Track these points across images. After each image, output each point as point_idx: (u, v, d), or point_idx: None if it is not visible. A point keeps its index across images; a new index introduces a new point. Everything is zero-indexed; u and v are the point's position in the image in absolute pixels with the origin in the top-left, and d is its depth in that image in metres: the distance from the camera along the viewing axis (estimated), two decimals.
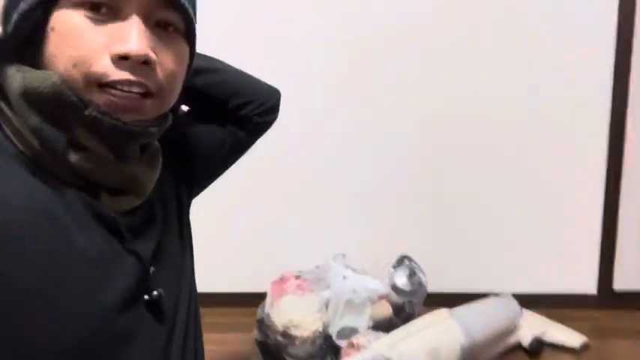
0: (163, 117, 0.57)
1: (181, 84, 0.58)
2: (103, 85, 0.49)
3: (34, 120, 0.49)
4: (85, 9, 0.49)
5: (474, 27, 1.56)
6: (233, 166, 1.59)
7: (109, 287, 0.51)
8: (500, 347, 1.38)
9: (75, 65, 0.48)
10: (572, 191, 1.60)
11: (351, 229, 1.66)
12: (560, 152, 1.58)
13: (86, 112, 0.49)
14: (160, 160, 0.62)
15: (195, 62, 0.62)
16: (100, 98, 0.49)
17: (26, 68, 0.50)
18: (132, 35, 0.49)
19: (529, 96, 1.56)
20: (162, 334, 0.57)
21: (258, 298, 1.45)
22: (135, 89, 0.50)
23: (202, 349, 0.69)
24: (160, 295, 0.55)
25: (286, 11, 1.56)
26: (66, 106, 0.49)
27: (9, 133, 0.50)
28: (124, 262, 0.53)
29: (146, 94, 0.52)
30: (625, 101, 1.53)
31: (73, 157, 0.50)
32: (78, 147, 0.51)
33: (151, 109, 0.53)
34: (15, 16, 0.51)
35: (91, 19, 0.49)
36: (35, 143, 0.49)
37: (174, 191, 0.69)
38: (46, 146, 0.49)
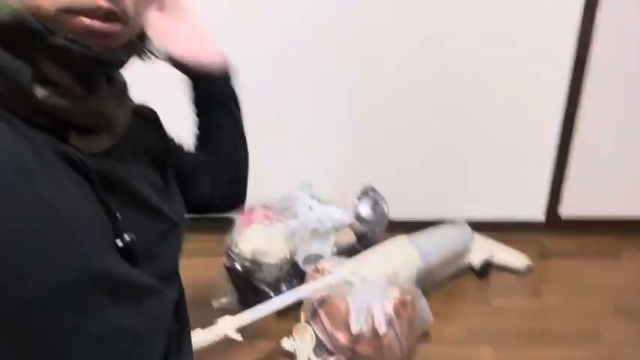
0: (131, 44, 0.54)
1: (147, 9, 0.56)
2: (71, 11, 0.46)
3: None
4: None
5: None
6: None
7: (78, 233, 0.49)
8: (453, 269, 1.50)
9: None
10: (526, 122, 1.66)
11: (316, 158, 1.70)
12: (518, 82, 1.62)
13: (53, 41, 0.45)
14: (129, 94, 0.60)
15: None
16: (73, 23, 0.46)
17: None
18: None
19: (491, 27, 1.56)
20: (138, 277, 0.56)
21: (225, 224, 1.49)
22: (102, 14, 0.47)
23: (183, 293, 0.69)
24: (132, 240, 0.54)
25: None
26: (29, 34, 0.45)
27: None
28: (92, 207, 0.51)
29: (112, 20, 0.49)
30: (591, 28, 1.54)
31: (40, 92, 0.47)
32: (45, 81, 0.48)
33: (119, 35, 0.51)
34: None
35: None
36: None
37: (153, 147, 0.66)
38: (9, 81, 0.46)
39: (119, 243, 0.53)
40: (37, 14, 0.45)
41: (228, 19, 1.52)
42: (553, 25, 1.55)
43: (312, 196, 1.44)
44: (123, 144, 0.57)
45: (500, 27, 1.56)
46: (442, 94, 1.63)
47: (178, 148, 0.76)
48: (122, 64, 0.53)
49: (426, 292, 1.26)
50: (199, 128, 0.82)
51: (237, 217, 1.47)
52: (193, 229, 1.48)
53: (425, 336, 1.25)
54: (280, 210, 1.44)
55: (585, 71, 1.60)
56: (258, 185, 1.63)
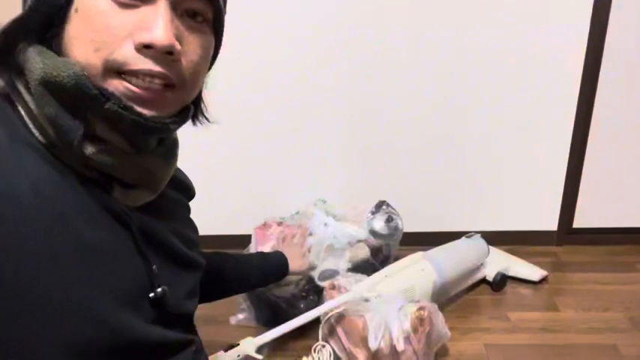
0: (184, 110, 0.55)
1: (204, 76, 0.56)
2: (121, 73, 0.47)
3: (51, 109, 0.46)
4: None
5: None
6: (217, 113, 1.61)
7: (113, 283, 0.49)
8: (469, 282, 1.50)
9: (96, 50, 0.46)
10: (540, 135, 1.67)
11: (330, 175, 1.72)
12: (530, 95, 1.63)
13: (106, 106, 0.47)
14: (177, 153, 0.61)
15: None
16: (118, 86, 0.47)
17: (47, 53, 0.47)
18: (158, 24, 0.46)
19: (502, 42, 1.58)
20: (166, 332, 0.57)
21: (241, 240, 1.51)
22: (157, 80, 0.48)
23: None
24: (164, 291, 0.55)
25: None
26: (86, 98, 0.46)
27: (25, 118, 0.48)
28: (130, 259, 0.52)
29: (167, 86, 0.50)
30: (601, 48, 1.56)
31: (89, 149, 0.48)
32: (94, 139, 0.49)
33: (171, 102, 0.51)
34: None
35: (117, 3, 0.46)
36: (50, 131, 0.47)
37: (186, 206, 0.71)
38: (61, 136, 0.47)
39: (151, 295, 0.54)
40: (89, 73, 0.46)
41: (244, 35, 1.55)
42: (563, 41, 1.56)
43: (327, 213, 1.46)
44: (161, 200, 0.59)
45: (511, 41, 1.57)
46: (456, 108, 1.65)
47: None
48: (171, 131, 0.54)
49: (441, 307, 1.27)
50: (238, 280, 1.03)
51: (253, 234, 1.49)
52: (210, 246, 1.51)
53: (442, 351, 1.26)
54: (296, 227, 1.45)
55: (597, 84, 1.60)
56: (273, 202, 1.68)
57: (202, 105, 0.62)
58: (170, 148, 0.59)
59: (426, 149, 1.69)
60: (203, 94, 0.61)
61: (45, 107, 0.46)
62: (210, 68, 0.58)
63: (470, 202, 1.75)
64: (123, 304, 0.50)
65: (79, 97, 0.46)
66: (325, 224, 1.39)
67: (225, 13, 0.55)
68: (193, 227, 0.71)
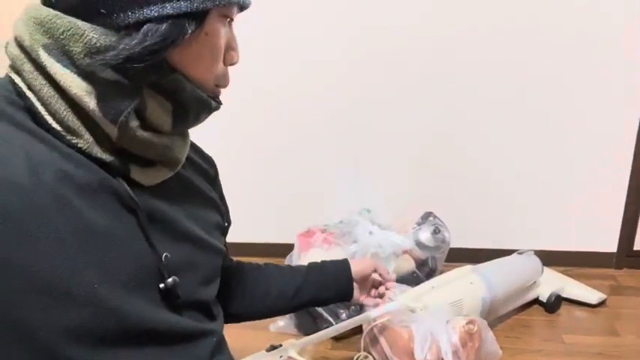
0: None
1: None
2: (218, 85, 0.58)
3: (109, 75, 0.48)
4: (226, 18, 0.55)
5: None
6: (263, 119, 1.62)
7: (117, 267, 0.48)
8: (520, 301, 1.42)
9: (211, 71, 0.55)
10: (600, 152, 1.59)
11: (376, 183, 1.68)
12: (590, 111, 1.56)
13: (213, 106, 0.58)
14: (189, 137, 0.63)
15: None
16: (216, 92, 0.59)
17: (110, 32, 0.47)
18: (236, 44, 0.58)
19: (559, 47, 1.52)
20: (177, 319, 0.56)
21: (284, 249, 1.50)
22: None
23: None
24: (174, 282, 0.54)
25: None
26: (203, 106, 0.56)
27: (37, 105, 0.47)
28: (136, 244, 0.51)
29: None
30: None
31: (133, 123, 0.50)
32: (141, 115, 0.51)
33: None
34: (169, 9, 0.48)
35: (223, 25, 0.55)
36: (91, 102, 0.47)
37: (206, 187, 0.69)
38: (108, 105, 0.47)
39: (162, 285, 0.53)
40: (203, 88, 0.55)
41: (293, 39, 1.57)
42: (625, 54, 1.49)
43: (373, 222, 1.43)
44: (177, 181, 0.60)
45: (571, 52, 1.51)
46: (513, 120, 1.59)
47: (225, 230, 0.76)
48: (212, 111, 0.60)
49: (490, 325, 1.20)
50: (289, 297, 0.88)
51: (296, 241, 1.48)
52: (252, 253, 1.51)
53: None
54: (340, 234, 1.43)
55: None
56: (318, 209, 1.66)
57: None
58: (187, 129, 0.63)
59: (478, 161, 1.64)
60: None
61: (104, 74, 0.47)
62: None
63: (523, 218, 1.67)
64: (128, 289, 0.49)
65: (199, 107, 0.56)
66: (370, 232, 1.36)
67: None
68: (218, 208, 0.69)
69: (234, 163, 1.60)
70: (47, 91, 0.47)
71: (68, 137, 0.48)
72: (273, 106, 1.63)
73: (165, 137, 0.54)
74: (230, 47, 0.57)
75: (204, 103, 0.56)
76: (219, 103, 0.58)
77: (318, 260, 1.38)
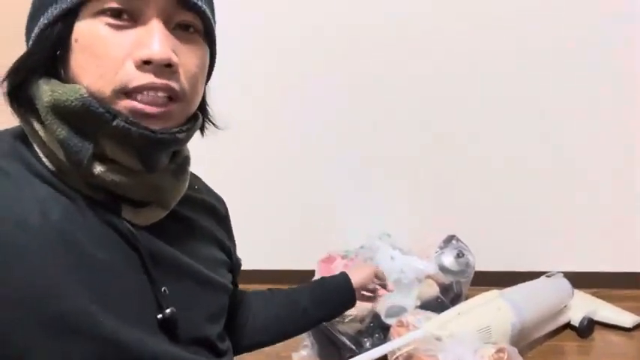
0: (190, 121, 0.58)
1: (203, 85, 0.59)
2: (128, 92, 0.50)
3: (62, 132, 0.50)
4: (105, 16, 0.50)
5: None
6: (280, 143, 1.62)
7: (117, 300, 0.50)
8: (551, 326, 1.37)
9: (101, 76, 0.49)
10: (628, 168, 1.54)
11: (395, 206, 1.66)
12: (619, 126, 1.51)
13: (114, 123, 0.49)
14: (189, 169, 0.63)
15: None
16: (126, 106, 0.50)
17: (55, 82, 0.51)
18: (154, 39, 0.49)
19: (577, 73, 1.49)
20: (178, 352, 0.56)
21: (304, 276, 1.47)
22: (160, 93, 0.51)
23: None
24: (173, 313, 0.54)
25: None
26: (93, 118, 0.49)
27: (36, 147, 0.52)
28: (137, 279, 0.53)
29: (171, 99, 0.52)
30: None
31: (98, 169, 0.51)
32: (103, 159, 0.52)
33: (176, 114, 0.54)
34: (36, 30, 0.52)
35: (112, 26, 0.50)
36: (60, 155, 0.50)
37: (212, 226, 0.70)
38: (71, 158, 0.50)
39: (159, 316, 0.54)
40: (99, 98, 0.49)
41: (311, 62, 1.57)
42: None
43: (394, 246, 1.40)
44: (175, 220, 0.60)
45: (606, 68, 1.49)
46: (536, 137, 1.56)
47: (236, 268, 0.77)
48: (180, 142, 0.55)
49: (521, 353, 1.15)
50: (296, 312, 0.91)
51: (317, 268, 1.45)
52: (271, 280, 1.48)
53: None
54: (361, 260, 1.40)
55: None
56: (337, 235, 1.64)
57: (209, 114, 0.65)
58: (181, 165, 0.61)
59: (502, 181, 1.59)
60: (208, 103, 0.65)
61: (56, 132, 0.50)
62: (208, 78, 0.62)
63: (551, 239, 1.62)
64: (128, 322, 0.50)
65: (88, 118, 0.49)
66: (392, 258, 1.33)
67: (214, 22, 0.58)
68: (223, 246, 0.70)
69: (249, 188, 1.60)
70: (39, 136, 0.52)
71: (65, 178, 0.52)
72: (289, 129, 1.63)
73: (145, 177, 0.54)
74: (137, 45, 0.50)
75: (96, 117, 0.49)
76: (127, 122, 0.49)
77: None
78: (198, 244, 0.64)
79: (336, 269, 1.40)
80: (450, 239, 1.45)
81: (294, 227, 1.71)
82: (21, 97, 0.53)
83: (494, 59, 1.52)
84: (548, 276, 1.43)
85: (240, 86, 1.53)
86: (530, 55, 1.50)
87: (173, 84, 0.51)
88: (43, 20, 0.51)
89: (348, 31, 1.54)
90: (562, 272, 1.45)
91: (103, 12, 0.50)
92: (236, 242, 0.80)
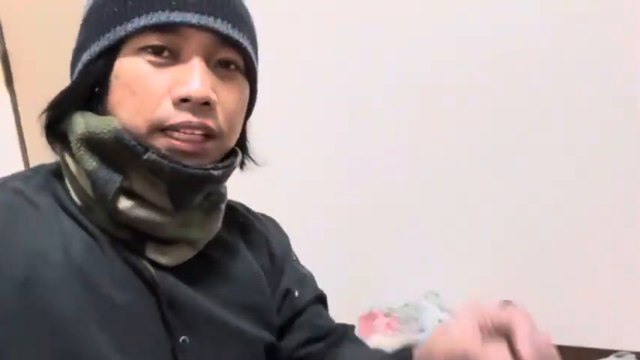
0: (227, 158, 0.55)
1: (241, 123, 0.57)
2: (164, 129, 0.49)
3: (93, 163, 0.50)
4: (147, 53, 0.50)
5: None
6: (326, 192, 1.58)
7: (133, 346, 0.49)
8: None
9: (138, 112, 0.49)
10: None
11: (445, 264, 1.55)
12: None
13: (145, 156, 0.48)
14: (222, 208, 0.59)
15: None
16: (161, 143, 0.49)
17: (90, 114, 0.51)
18: (193, 77, 0.49)
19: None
20: None
21: None
22: (197, 132, 0.50)
23: None
24: None
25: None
26: (125, 150, 0.49)
27: (67, 182, 0.52)
28: (153, 324, 0.51)
29: (207, 136, 0.51)
30: None
31: (123, 204, 0.50)
32: (131, 194, 0.50)
33: (212, 151, 0.52)
34: (79, 66, 0.53)
35: (152, 63, 0.50)
36: (88, 189, 0.50)
37: (257, 265, 0.64)
38: (98, 190, 0.49)
39: None
40: (134, 134, 0.49)
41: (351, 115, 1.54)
42: None
43: (442, 308, 1.29)
44: (207, 260, 0.56)
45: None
46: (611, 198, 1.43)
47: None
48: (214, 179, 0.53)
49: None
50: None
51: (358, 323, 1.36)
52: None
53: None
54: (404, 320, 1.30)
55: None
56: (380, 289, 1.54)
57: (248, 150, 0.63)
58: (215, 203, 0.58)
59: (569, 244, 1.45)
60: (247, 139, 0.63)
61: (86, 164, 0.50)
62: (249, 115, 0.61)
63: (621, 314, 1.45)
64: None
65: (119, 150, 0.49)
66: (439, 320, 1.22)
67: (256, 59, 0.57)
68: (261, 290, 0.62)
69: (288, 229, 1.54)
70: (70, 170, 0.53)
71: (89, 214, 0.51)
72: (332, 175, 1.59)
73: (171, 215, 0.52)
74: (176, 82, 0.49)
75: (127, 149, 0.48)
76: (159, 155, 0.48)
77: (383, 347, 1.26)
78: (231, 286, 0.59)
79: (377, 328, 1.31)
80: (505, 305, 1.32)
81: (335, 278, 1.63)
82: (57, 132, 0.53)
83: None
84: (618, 356, 1.28)
85: (297, 133, 1.53)
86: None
87: (210, 122, 0.50)
88: (86, 56, 0.52)
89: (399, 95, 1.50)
90: (634, 353, 1.30)
91: (144, 49, 0.50)
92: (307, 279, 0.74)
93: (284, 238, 0.72)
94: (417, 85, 1.50)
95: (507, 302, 1.35)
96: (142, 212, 0.50)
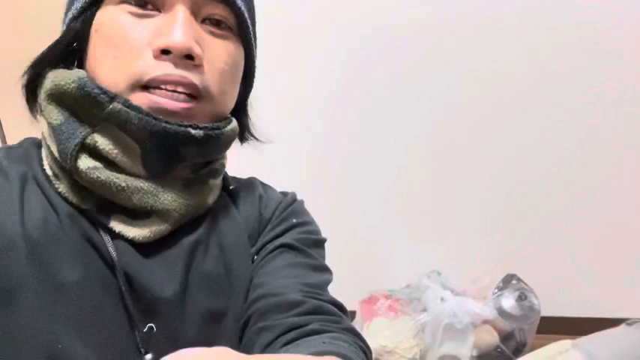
0: (219, 122, 0.49)
1: (235, 88, 0.52)
2: (144, 86, 0.45)
3: (58, 117, 0.46)
4: (128, 4, 0.46)
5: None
6: (326, 174, 1.53)
7: (95, 334, 0.44)
8: None
9: (117, 67, 0.45)
10: None
11: (446, 242, 1.51)
12: None
13: (110, 106, 0.43)
14: (215, 184, 0.52)
15: None
16: (141, 100, 0.44)
17: (61, 70, 0.47)
18: (175, 27, 0.45)
19: None
20: None
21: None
22: (180, 89, 0.45)
23: None
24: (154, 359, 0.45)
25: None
26: (89, 101, 0.44)
27: (43, 152, 0.49)
28: (113, 306, 0.45)
29: (193, 96, 0.46)
30: None
31: (85, 163, 0.45)
32: (97, 155, 0.45)
33: (198, 113, 0.47)
34: (63, 27, 0.50)
35: (134, 14, 0.46)
36: (55, 150, 0.46)
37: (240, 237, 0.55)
38: (60, 146, 0.45)
39: None
40: (110, 89, 0.45)
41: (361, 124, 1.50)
42: None
43: (444, 286, 1.25)
44: (189, 235, 0.49)
45: None
46: (604, 166, 1.39)
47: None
48: (193, 139, 0.46)
49: None
50: None
51: (358, 308, 1.32)
52: None
53: None
54: (407, 301, 1.26)
55: None
56: (381, 272, 1.50)
57: (249, 122, 0.58)
58: (202, 176, 0.50)
59: (571, 211, 1.42)
60: (248, 112, 0.58)
61: (52, 118, 0.46)
62: (250, 84, 0.56)
63: (631, 281, 1.41)
64: (103, 355, 0.44)
65: (83, 101, 0.45)
66: (442, 299, 1.19)
67: (249, 20, 0.52)
68: (243, 259, 0.53)
69: None
70: (44, 135, 0.49)
71: (55, 182, 0.47)
72: (333, 157, 1.55)
73: (139, 180, 0.46)
74: (158, 33, 0.45)
75: (91, 98, 0.44)
76: (126, 105, 0.44)
77: (384, 333, 1.21)
78: (209, 265, 0.51)
79: (379, 311, 1.26)
80: (509, 279, 1.29)
81: (332, 263, 1.59)
82: (36, 94, 0.49)
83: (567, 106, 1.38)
84: (628, 324, 1.23)
85: (303, 109, 1.49)
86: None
87: (193, 79, 0.45)
88: (69, 15, 0.49)
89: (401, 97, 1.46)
90: None
91: (125, 0, 0.46)
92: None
93: (281, 200, 0.60)
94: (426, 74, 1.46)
95: (512, 276, 1.31)
96: (103, 174, 0.45)
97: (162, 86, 0.45)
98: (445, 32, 1.43)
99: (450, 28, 1.42)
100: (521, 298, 1.24)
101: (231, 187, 0.57)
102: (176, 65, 0.45)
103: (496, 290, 1.27)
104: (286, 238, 0.54)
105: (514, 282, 1.28)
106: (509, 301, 1.25)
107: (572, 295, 1.42)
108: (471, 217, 1.49)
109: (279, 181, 0.67)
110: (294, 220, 0.57)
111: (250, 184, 0.60)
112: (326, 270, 0.57)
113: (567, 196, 1.42)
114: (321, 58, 1.50)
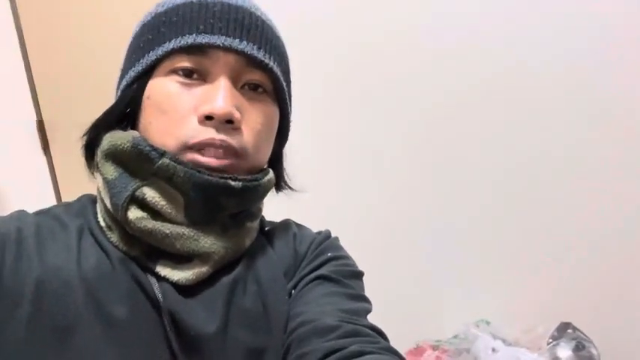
0: (257, 174, 0.54)
1: (270, 145, 0.57)
2: (190, 148, 0.50)
3: (113, 173, 0.51)
4: (177, 75, 0.52)
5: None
6: (372, 224, 1.52)
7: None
8: None
9: (167, 131, 0.50)
10: None
11: (495, 289, 1.45)
12: None
13: (160, 161, 0.49)
14: (252, 227, 0.56)
15: None
16: (188, 158, 0.50)
17: (117, 132, 0.52)
18: (217, 96, 0.50)
19: None
20: None
21: None
22: (220, 151, 0.50)
23: None
24: None
25: None
26: (142, 158, 0.50)
27: (97, 205, 0.55)
28: (156, 343, 0.48)
29: (230, 153, 0.51)
30: None
31: (134, 214, 0.49)
32: (145, 206, 0.50)
33: (237, 167, 0.52)
34: (118, 93, 0.56)
35: (182, 84, 0.51)
36: (109, 204, 0.51)
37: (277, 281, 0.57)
38: (112, 199, 0.50)
39: None
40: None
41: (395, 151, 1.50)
42: None
43: (494, 336, 1.20)
44: (229, 276, 0.53)
45: None
46: None
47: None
48: (232, 190, 0.51)
49: None
50: None
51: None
52: None
53: None
54: (455, 352, 1.21)
55: None
56: (428, 321, 1.45)
57: (284, 174, 0.62)
58: (238, 220, 0.55)
59: (630, 252, 1.35)
60: (284, 165, 0.62)
61: (107, 173, 0.51)
62: (284, 140, 0.61)
63: None
64: None
65: (136, 157, 0.50)
66: (493, 349, 1.13)
67: (284, 83, 0.57)
68: (279, 297, 0.55)
69: None
70: (99, 190, 0.54)
71: (107, 232, 0.52)
72: (370, 206, 1.54)
73: (181, 227, 0.51)
74: (202, 101, 0.50)
75: (143, 155, 0.49)
76: (173, 160, 0.49)
77: None
78: (248, 302, 0.53)
79: None
80: (564, 328, 1.22)
81: (377, 312, 1.55)
82: (94, 154, 0.55)
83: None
84: None
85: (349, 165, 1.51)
86: None
87: (232, 141, 0.51)
88: (123, 82, 0.55)
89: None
90: None
91: (174, 71, 0.52)
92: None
93: (315, 237, 0.63)
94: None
95: (566, 324, 1.24)
96: (150, 223, 0.49)
97: (206, 148, 0.50)
98: (443, 38, 1.43)
99: (448, 34, 1.42)
100: (579, 347, 1.17)
101: (266, 229, 0.61)
102: (217, 130, 0.50)
103: (551, 340, 1.21)
104: (322, 271, 0.57)
105: (569, 331, 1.22)
106: (565, 352, 1.18)
107: (635, 345, 1.33)
108: (520, 262, 1.44)
109: (319, 227, 0.68)
110: (330, 254, 0.59)
111: (285, 224, 0.63)
112: (364, 299, 0.58)
113: (625, 236, 1.36)
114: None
